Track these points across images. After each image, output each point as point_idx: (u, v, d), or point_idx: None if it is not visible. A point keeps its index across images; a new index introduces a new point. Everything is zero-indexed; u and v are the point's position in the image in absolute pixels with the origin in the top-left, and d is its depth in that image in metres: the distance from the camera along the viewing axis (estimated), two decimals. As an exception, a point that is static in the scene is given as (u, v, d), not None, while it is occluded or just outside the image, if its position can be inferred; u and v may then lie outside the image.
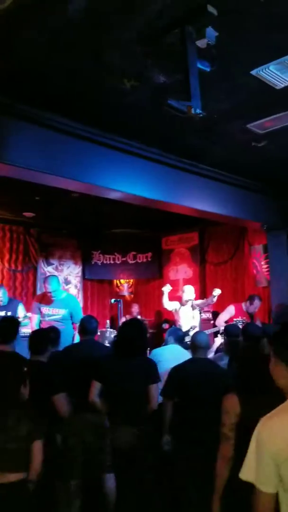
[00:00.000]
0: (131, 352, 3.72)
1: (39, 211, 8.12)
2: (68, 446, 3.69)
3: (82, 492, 3.70)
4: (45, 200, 7.16)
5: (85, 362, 3.88)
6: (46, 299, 6.13)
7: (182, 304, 6.89)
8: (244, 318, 6.48)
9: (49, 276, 6.64)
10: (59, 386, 3.68)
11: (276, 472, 1.62)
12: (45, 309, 6.08)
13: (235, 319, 6.39)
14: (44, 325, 5.89)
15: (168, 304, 6.97)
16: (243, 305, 6.84)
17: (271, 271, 7.48)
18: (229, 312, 6.75)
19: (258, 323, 6.74)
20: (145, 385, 3.67)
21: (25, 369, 3.20)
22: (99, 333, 7.34)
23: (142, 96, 4.13)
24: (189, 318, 6.76)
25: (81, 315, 6.18)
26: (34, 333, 4.44)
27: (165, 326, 8.27)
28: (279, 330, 2.00)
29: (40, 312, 6.10)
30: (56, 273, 9.26)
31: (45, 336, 4.20)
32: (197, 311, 6.94)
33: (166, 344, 5.00)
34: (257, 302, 6.81)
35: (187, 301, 6.82)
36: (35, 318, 6.11)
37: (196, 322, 6.65)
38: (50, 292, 6.02)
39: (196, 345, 3.93)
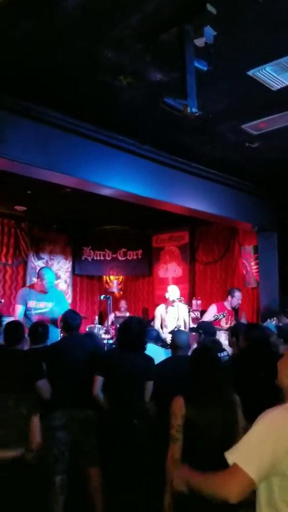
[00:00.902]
0: (135, 346, 3.82)
1: (30, 205, 8.08)
2: (55, 439, 3.68)
3: (68, 487, 3.70)
4: (37, 194, 7.12)
5: (74, 357, 3.90)
6: (36, 290, 5.96)
7: (168, 305, 6.87)
8: (224, 312, 6.53)
9: (45, 267, 6.39)
10: (40, 372, 3.71)
11: (272, 466, 1.61)
12: (32, 303, 5.86)
13: (215, 314, 6.42)
14: (32, 319, 5.74)
15: (158, 319, 6.93)
16: (225, 303, 6.87)
17: (260, 272, 7.52)
18: (211, 311, 6.78)
19: (244, 320, 6.77)
20: (144, 380, 3.77)
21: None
22: (87, 329, 7.31)
23: (137, 93, 4.13)
24: (174, 319, 6.75)
25: (67, 307, 6.10)
26: (8, 325, 4.40)
27: (153, 323, 8.26)
28: None
29: (26, 305, 5.94)
30: (47, 268, 9.22)
31: (19, 326, 4.17)
32: (185, 312, 6.90)
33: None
34: (237, 294, 6.80)
35: (173, 301, 6.80)
36: (19, 308, 5.79)
37: (181, 322, 6.65)
38: (46, 284, 5.78)
39: (176, 345, 3.97)
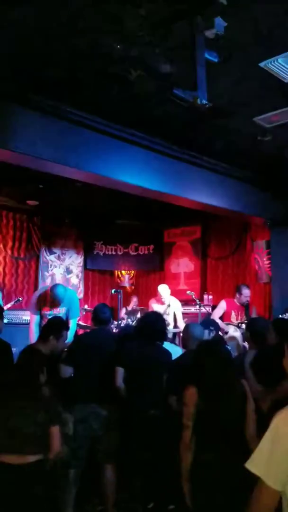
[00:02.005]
0: (156, 338, 3.94)
1: (42, 200, 8.11)
2: (76, 433, 3.68)
3: (80, 480, 3.72)
4: (49, 188, 7.14)
5: (98, 351, 3.94)
6: (48, 303, 5.93)
7: (158, 302, 6.88)
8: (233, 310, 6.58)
9: (57, 285, 6.24)
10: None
11: None
12: (47, 309, 5.91)
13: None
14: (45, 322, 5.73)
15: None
16: (235, 299, 6.85)
17: (273, 267, 7.45)
18: (221, 307, 6.78)
19: (254, 315, 6.74)
20: (163, 372, 3.83)
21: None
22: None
23: (148, 86, 4.09)
24: (164, 314, 6.76)
25: (77, 312, 6.16)
26: (50, 320, 4.34)
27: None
28: None
29: (40, 311, 5.91)
30: (58, 262, 9.27)
31: (57, 325, 4.15)
32: (177, 307, 6.92)
33: None
34: (245, 291, 6.78)
35: (169, 301, 6.83)
36: (34, 319, 5.92)
37: (170, 318, 6.68)
38: (58, 301, 5.83)
39: (193, 339, 4.00)
